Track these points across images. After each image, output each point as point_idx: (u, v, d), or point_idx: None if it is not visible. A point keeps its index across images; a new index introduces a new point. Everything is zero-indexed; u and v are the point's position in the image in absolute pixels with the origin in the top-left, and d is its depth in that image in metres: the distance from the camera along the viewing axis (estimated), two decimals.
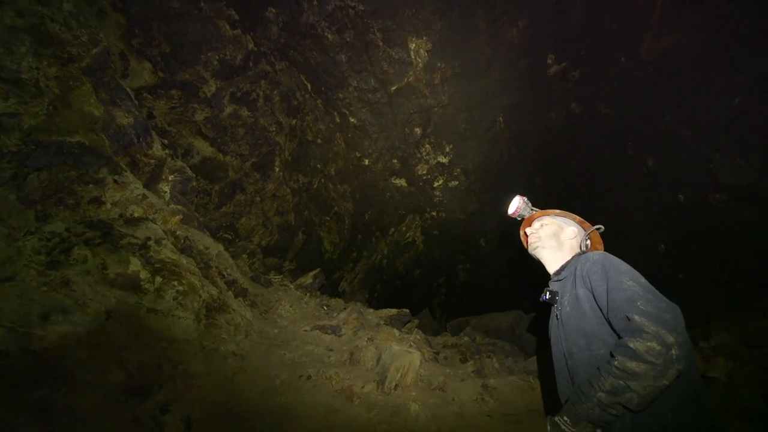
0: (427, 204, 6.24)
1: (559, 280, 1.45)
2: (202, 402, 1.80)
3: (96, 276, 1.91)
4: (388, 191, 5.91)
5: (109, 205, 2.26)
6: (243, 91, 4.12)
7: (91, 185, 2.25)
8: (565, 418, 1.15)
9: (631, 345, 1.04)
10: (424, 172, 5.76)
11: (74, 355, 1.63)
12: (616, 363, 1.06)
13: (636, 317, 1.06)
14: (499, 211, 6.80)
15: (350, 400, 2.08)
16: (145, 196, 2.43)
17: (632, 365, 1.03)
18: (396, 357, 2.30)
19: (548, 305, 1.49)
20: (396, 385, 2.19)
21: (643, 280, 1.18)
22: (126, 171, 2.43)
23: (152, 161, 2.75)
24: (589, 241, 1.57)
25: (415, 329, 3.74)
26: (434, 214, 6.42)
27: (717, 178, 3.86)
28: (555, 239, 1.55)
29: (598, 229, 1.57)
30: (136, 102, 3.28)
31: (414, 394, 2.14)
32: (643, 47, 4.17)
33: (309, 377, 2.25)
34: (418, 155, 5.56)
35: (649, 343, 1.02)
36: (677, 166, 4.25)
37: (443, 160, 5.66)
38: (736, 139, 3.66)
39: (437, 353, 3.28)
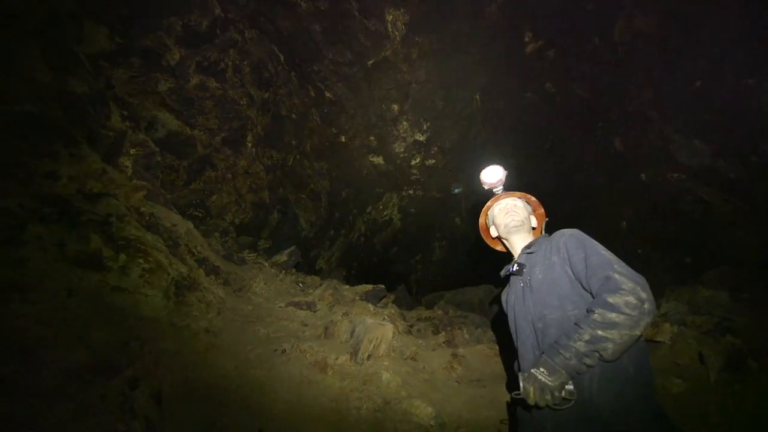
0: (404, 182, 6.25)
1: (530, 254, 1.53)
2: (173, 377, 1.80)
3: (54, 254, 1.83)
4: (365, 169, 5.87)
5: (65, 180, 2.14)
6: (210, 60, 3.91)
7: (44, 158, 2.11)
8: (542, 369, 1.23)
9: (611, 299, 1.18)
10: (402, 149, 5.73)
11: (34, 334, 1.58)
12: (595, 315, 1.18)
13: (615, 276, 1.22)
14: (474, 189, 6.90)
15: (324, 371, 2.14)
16: (104, 171, 2.31)
17: (612, 316, 1.15)
18: (369, 329, 2.36)
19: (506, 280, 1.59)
20: (369, 356, 2.26)
21: (611, 254, 1.33)
22: (83, 144, 2.29)
23: (111, 134, 2.60)
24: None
25: (390, 304, 3.83)
26: (411, 192, 6.45)
27: (676, 158, 4.07)
28: (528, 223, 1.68)
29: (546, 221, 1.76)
30: (92, 70, 3.06)
31: (386, 363, 2.22)
32: (616, 28, 4.23)
33: (283, 351, 2.28)
34: (396, 132, 5.51)
35: (626, 298, 1.16)
36: (641, 147, 4.43)
37: (420, 138, 5.64)
38: (695, 121, 3.85)
39: (411, 326, 3.38)
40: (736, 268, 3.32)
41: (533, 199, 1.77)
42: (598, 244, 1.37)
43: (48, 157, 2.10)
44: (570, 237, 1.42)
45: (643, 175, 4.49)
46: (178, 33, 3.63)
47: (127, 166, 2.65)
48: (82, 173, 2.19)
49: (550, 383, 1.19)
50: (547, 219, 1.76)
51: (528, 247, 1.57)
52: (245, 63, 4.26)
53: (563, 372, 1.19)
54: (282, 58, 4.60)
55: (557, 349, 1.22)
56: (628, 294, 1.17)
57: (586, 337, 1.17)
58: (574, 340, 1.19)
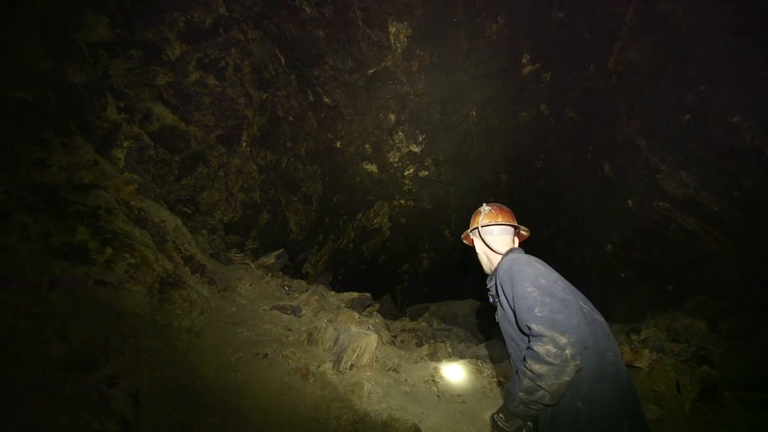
0: (396, 191, 6.29)
1: (490, 288, 1.56)
2: (151, 377, 1.76)
3: (38, 244, 1.79)
4: (358, 176, 5.89)
5: (55, 169, 2.10)
6: (211, 57, 3.90)
7: (34, 146, 2.07)
8: (501, 415, 1.30)
9: (535, 348, 1.19)
10: (396, 159, 5.78)
11: (11, 326, 1.53)
12: (526, 365, 1.20)
13: (534, 326, 1.20)
14: (465, 203, 6.95)
15: (306, 378, 2.12)
16: (96, 162, 2.27)
17: (537, 367, 1.17)
18: (354, 338, 2.35)
19: None
20: (351, 366, 2.25)
21: (543, 281, 1.29)
22: (76, 133, 2.26)
23: (106, 125, 2.57)
24: (514, 238, 1.62)
25: (375, 313, 3.82)
26: (402, 202, 6.49)
27: (662, 187, 4.19)
28: (485, 258, 1.61)
29: (517, 228, 1.63)
30: (91, 59, 3.02)
31: (368, 374, 2.21)
32: (611, 57, 4.38)
33: (266, 355, 2.25)
34: (391, 142, 5.56)
35: (547, 347, 1.16)
36: (629, 174, 4.56)
37: (415, 149, 5.70)
38: (682, 153, 3.98)
39: (395, 336, 3.38)
40: (716, 298, 3.42)
41: (489, 213, 1.64)
42: (528, 275, 1.31)
43: (39, 144, 2.06)
44: (504, 273, 1.39)
45: (630, 201, 4.61)
46: (181, 28, 3.62)
47: (119, 159, 2.61)
48: (73, 163, 2.15)
49: (507, 428, 1.29)
50: (519, 228, 1.65)
51: (490, 278, 1.57)
52: (246, 63, 4.26)
53: (515, 418, 1.27)
54: (283, 61, 4.62)
55: (509, 397, 1.29)
56: (548, 342, 1.16)
57: (524, 386, 1.22)
58: (517, 389, 1.24)
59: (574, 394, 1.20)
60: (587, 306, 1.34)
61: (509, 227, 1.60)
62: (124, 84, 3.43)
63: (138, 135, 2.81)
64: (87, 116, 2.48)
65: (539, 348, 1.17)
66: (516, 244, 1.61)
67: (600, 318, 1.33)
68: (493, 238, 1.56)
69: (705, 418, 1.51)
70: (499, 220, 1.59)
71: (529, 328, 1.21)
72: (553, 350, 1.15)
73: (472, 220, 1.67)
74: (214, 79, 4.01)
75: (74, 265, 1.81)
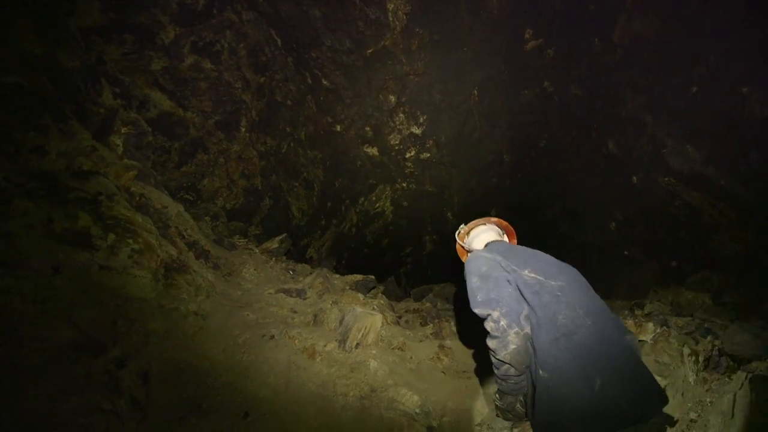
0: (398, 175, 6.24)
1: None
2: (160, 358, 1.79)
3: (41, 230, 1.79)
4: (359, 160, 5.84)
5: (53, 156, 2.08)
6: (205, 40, 3.82)
7: (32, 133, 2.05)
8: (496, 394, 1.57)
9: (485, 328, 1.41)
10: (397, 142, 5.71)
11: (18, 311, 1.55)
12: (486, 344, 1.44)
13: (477, 310, 1.42)
14: (468, 185, 6.90)
15: (312, 357, 2.15)
16: (94, 148, 2.26)
17: (489, 344, 1.41)
18: (359, 318, 2.37)
19: None
20: (357, 344, 2.28)
21: (484, 269, 1.46)
22: (72, 119, 2.23)
23: (102, 111, 2.54)
24: (501, 234, 1.88)
25: (380, 294, 3.85)
26: (405, 185, 6.45)
27: (668, 163, 4.12)
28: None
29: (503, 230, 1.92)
30: (84, 44, 2.97)
31: (374, 352, 2.24)
32: (616, 30, 4.24)
33: (272, 337, 2.28)
34: (392, 124, 5.48)
35: (489, 324, 1.37)
36: (634, 150, 4.48)
37: (416, 131, 5.62)
38: (688, 126, 3.90)
39: (399, 317, 3.41)
40: (720, 272, 3.41)
41: (472, 224, 1.95)
42: (471, 270, 1.49)
43: (36, 131, 2.04)
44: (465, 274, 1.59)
45: (634, 178, 4.55)
46: (173, 10, 3.54)
47: (117, 145, 2.59)
48: (71, 149, 2.13)
49: (501, 405, 1.60)
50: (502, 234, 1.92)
51: None
52: (241, 45, 4.18)
53: (507, 395, 1.52)
54: (279, 43, 4.52)
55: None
56: (489, 320, 1.38)
57: (493, 364, 1.44)
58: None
59: (536, 364, 1.28)
60: (537, 273, 1.40)
61: (484, 227, 1.87)
62: (119, 70, 3.38)
63: (135, 121, 2.78)
64: (83, 102, 2.45)
65: (486, 326, 1.36)
66: (500, 237, 1.83)
67: (555, 283, 1.37)
68: (475, 245, 1.81)
69: (709, 388, 1.52)
70: (471, 227, 1.88)
71: (478, 315, 1.40)
72: (493, 324, 1.33)
73: (457, 243, 1.97)
74: (210, 63, 3.94)
75: (77, 250, 1.82)
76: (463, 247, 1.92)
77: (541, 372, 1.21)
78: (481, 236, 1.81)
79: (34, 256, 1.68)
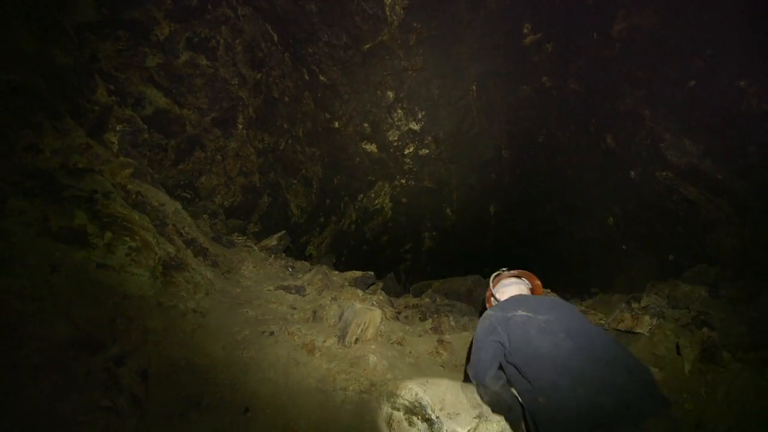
0: (397, 171, 6.23)
1: None
2: (159, 356, 1.79)
3: (37, 229, 1.78)
4: (358, 156, 5.82)
5: (48, 154, 2.07)
6: (201, 36, 3.79)
7: (26, 130, 2.04)
8: None
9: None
10: (396, 138, 5.69)
11: (16, 309, 1.55)
12: None
13: (469, 373, 1.72)
14: (467, 181, 6.89)
15: (311, 353, 2.15)
16: (89, 146, 2.24)
17: (483, 400, 1.72)
18: (358, 314, 2.37)
19: None
20: (356, 340, 2.28)
21: (481, 335, 1.66)
22: (66, 117, 2.22)
23: (96, 108, 2.52)
24: (528, 289, 2.04)
25: (379, 290, 3.85)
26: (403, 181, 6.44)
27: (666, 157, 4.13)
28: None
29: (498, 275, 2.14)
30: (77, 41, 2.94)
31: (373, 347, 2.25)
32: (615, 25, 4.23)
33: (272, 333, 2.28)
34: (390, 120, 5.47)
35: (479, 390, 1.70)
36: (632, 144, 4.48)
37: (415, 127, 5.61)
38: (687, 120, 3.90)
39: (399, 313, 3.42)
40: (716, 265, 3.43)
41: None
42: (477, 334, 1.70)
43: (30, 129, 2.03)
44: None
45: (632, 172, 4.56)
46: (168, 6, 3.51)
47: (113, 142, 2.58)
48: (65, 147, 2.12)
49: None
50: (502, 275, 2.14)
51: None
52: (237, 41, 4.15)
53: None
54: (275, 38, 4.49)
55: None
56: (477, 386, 1.69)
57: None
58: None
59: (529, 392, 1.43)
60: (528, 311, 1.60)
61: (516, 280, 2.03)
62: (113, 67, 3.35)
63: (131, 118, 2.76)
64: (76, 99, 2.43)
65: (477, 391, 1.67)
66: (525, 292, 1.97)
67: (542, 317, 1.56)
68: (499, 295, 1.98)
69: (704, 378, 1.53)
70: (505, 276, 2.09)
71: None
72: (482, 391, 1.64)
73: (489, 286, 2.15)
74: (206, 59, 3.91)
75: (74, 248, 1.81)
76: (492, 292, 2.07)
77: (539, 398, 1.36)
78: (507, 288, 1.98)
79: (31, 255, 1.67)
